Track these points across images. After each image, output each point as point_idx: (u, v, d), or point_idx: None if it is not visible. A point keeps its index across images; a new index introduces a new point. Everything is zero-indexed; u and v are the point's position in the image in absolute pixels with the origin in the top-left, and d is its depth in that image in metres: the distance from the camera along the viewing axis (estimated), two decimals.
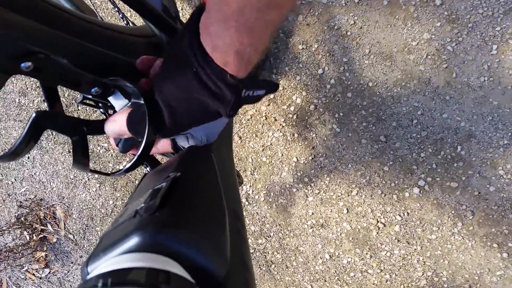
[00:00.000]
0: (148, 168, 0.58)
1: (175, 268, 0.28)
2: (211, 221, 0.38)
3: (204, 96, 0.38)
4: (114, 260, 0.28)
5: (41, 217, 1.85)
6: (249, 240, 1.42)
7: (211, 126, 0.44)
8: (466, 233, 1.16)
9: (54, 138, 1.72)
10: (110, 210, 1.72)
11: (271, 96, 1.29)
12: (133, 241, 0.29)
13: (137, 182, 1.64)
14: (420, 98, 1.13)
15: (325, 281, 1.39)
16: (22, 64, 0.36)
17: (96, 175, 1.70)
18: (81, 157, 0.44)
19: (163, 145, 0.49)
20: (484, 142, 1.09)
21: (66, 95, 1.63)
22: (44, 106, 1.71)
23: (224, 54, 0.34)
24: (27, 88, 1.69)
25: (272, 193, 1.40)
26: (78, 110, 1.63)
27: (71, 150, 1.76)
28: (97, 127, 0.47)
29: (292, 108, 1.27)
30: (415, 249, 1.23)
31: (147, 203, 0.34)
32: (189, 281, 0.27)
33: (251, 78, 0.39)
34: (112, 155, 1.62)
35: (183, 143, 0.48)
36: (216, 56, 0.35)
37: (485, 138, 1.08)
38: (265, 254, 1.45)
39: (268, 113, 1.31)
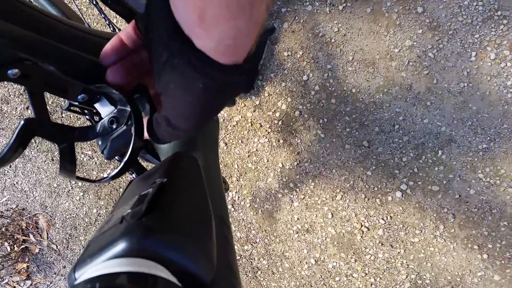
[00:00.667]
0: (134, 175, 0.58)
1: (162, 272, 0.28)
2: (198, 226, 0.38)
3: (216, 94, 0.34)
4: (102, 266, 0.28)
5: (23, 227, 1.80)
6: (235, 247, 1.41)
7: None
8: (447, 235, 1.18)
9: (37, 146, 1.69)
10: (94, 219, 1.68)
11: (257, 102, 1.30)
12: (120, 246, 0.29)
13: (121, 190, 1.62)
14: (402, 104, 1.15)
15: (311, 286, 1.38)
16: (9, 71, 0.36)
17: (80, 183, 1.67)
18: (68, 164, 0.44)
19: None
20: (464, 147, 1.11)
21: (50, 103, 1.61)
22: (27, 114, 1.68)
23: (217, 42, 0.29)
24: (9, 96, 1.66)
25: (257, 199, 1.39)
26: (62, 117, 1.61)
27: (54, 158, 1.73)
28: (84, 134, 0.47)
29: (277, 114, 1.28)
30: (399, 252, 1.25)
31: (134, 209, 0.34)
32: (177, 284, 0.28)
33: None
34: (96, 162, 1.60)
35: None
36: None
37: (465, 143, 1.11)
38: (251, 260, 1.45)
39: (254, 119, 1.31)
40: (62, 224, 1.73)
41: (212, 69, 0.30)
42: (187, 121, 0.37)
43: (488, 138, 1.08)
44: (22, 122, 0.38)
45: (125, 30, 0.42)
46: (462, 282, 1.19)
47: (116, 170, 0.45)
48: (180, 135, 0.40)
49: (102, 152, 0.48)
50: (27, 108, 1.67)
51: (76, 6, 1.06)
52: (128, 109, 0.43)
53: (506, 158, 1.08)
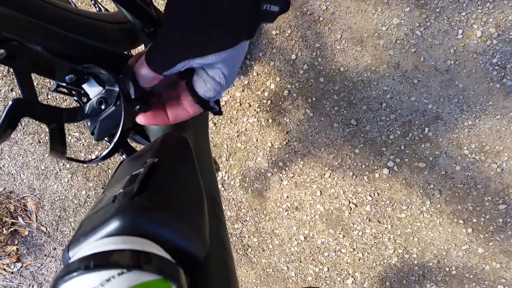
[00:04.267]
0: (124, 156, 0.57)
1: (156, 249, 0.28)
2: (190, 204, 0.37)
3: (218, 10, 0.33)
4: (95, 244, 0.28)
5: (11, 210, 1.76)
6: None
7: (230, 58, 0.38)
8: (434, 211, 1.19)
9: (23, 128, 1.63)
10: (83, 201, 1.65)
11: (245, 82, 1.26)
12: (114, 225, 0.29)
13: (110, 171, 1.59)
14: (389, 82, 1.13)
15: (300, 261, 1.39)
16: None
17: (68, 165, 1.63)
18: (58, 144, 0.43)
19: (191, 106, 0.44)
20: (450, 124, 1.11)
21: (35, 84, 1.55)
22: (11, 96, 1.62)
23: None
24: None
25: (247, 178, 1.38)
26: (48, 99, 1.55)
27: (41, 140, 1.68)
28: (72, 115, 0.46)
29: (266, 94, 1.26)
30: (386, 228, 1.25)
31: (126, 188, 0.33)
32: (170, 261, 0.28)
33: None
34: (83, 144, 1.55)
35: (201, 86, 0.42)
36: None
37: (451, 120, 1.10)
38: (242, 238, 1.44)
39: (243, 99, 1.29)
40: (51, 206, 1.70)
41: None
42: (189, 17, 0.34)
43: (474, 115, 1.08)
44: (10, 102, 0.38)
45: None
46: (448, 255, 1.20)
47: (106, 151, 0.44)
48: (180, 51, 0.36)
49: (92, 133, 0.47)
50: (11, 90, 1.61)
51: None
52: (117, 89, 0.43)
53: (490, 135, 1.08)
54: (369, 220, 1.27)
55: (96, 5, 0.82)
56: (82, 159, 1.62)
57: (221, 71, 0.38)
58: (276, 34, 1.19)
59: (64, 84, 0.44)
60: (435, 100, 1.10)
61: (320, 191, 1.30)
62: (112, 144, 0.43)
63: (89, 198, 1.64)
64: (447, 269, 1.21)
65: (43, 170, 1.66)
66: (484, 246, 1.15)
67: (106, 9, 0.86)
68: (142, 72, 0.40)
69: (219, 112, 0.45)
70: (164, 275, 0.25)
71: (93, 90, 0.46)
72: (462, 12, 1.04)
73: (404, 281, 1.27)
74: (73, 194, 1.65)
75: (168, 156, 0.42)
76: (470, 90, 1.07)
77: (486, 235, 1.14)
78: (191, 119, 0.48)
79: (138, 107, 0.42)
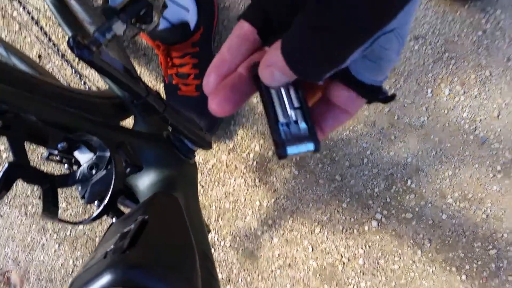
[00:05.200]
0: (114, 219, 0.58)
1: None
2: (182, 258, 0.38)
3: None
4: None
5: None
6: None
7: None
8: (426, 260, 1.19)
9: (10, 202, 1.60)
10: (71, 270, 1.60)
11: (231, 146, 1.29)
12: (105, 278, 0.29)
13: (97, 240, 1.56)
14: (368, 139, 1.17)
15: None
16: None
17: (55, 235, 1.60)
18: (51, 205, 0.44)
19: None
20: (431, 175, 1.14)
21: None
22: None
23: None
24: None
25: (237, 238, 1.37)
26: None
27: (28, 213, 1.65)
28: (64, 180, 0.47)
29: (251, 155, 1.28)
30: (380, 280, 1.24)
31: (117, 244, 0.34)
32: None
33: None
34: (70, 214, 1.53)
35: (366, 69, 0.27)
36: None
37: (432, 171, 1.14)
38: None
39: (229, 161, 1.30)
40: (37, 277, 1.63)
41: None
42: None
43: (453, 165, 1.12)
44: (5, 164, 0.39)
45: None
46: None
47: (97, 211, 0.45)
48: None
49: (83, 197, 0.48)
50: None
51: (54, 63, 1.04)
52: (107, 154, 0.44)
53: (471, 183, 1.11)
54: (363, 273, 1.26)
55: (85, 85, 0.84)
56: (70, 229, 1.58)
57: (397, 36, 0.24)
58: (258, 101, 1.24)
59: (56, 152, 0.46)
60: (413, 153, 1.14)
61: (312, 247, 1.29)
62: (103, 205, 0.44)
63: (76, 267, 1.59)
64: None
65: (29, 242, 1.61)
66: None
67: (97, 87, 0.89)
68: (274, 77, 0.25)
69: (392, 97, 0.30)
70: None
71: (84, 157, 0.48)
72: (429, 74, 1.10)
73: None
74: (60, 264, 1.60)
75: (158, 212, 0.42)
76: (446, 142, 1.11)
77: (481, 281, 1.14)
78: (180, 179, 0.50)
79: (129, 169, 0.44)
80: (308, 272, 1.31)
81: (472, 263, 1.15)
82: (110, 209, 0.45)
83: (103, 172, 0.46)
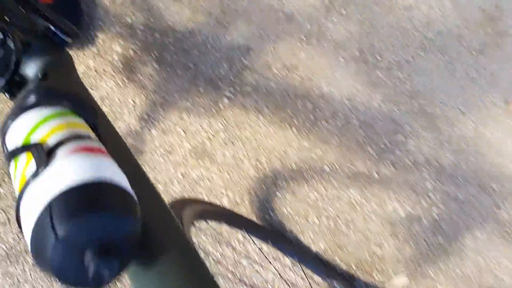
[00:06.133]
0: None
1: None
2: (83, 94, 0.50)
3: None
4: None
5: None
6: None
7: None
8: (267, 122, 1.49)
9: None
10: None
11: (95, 50, 1.45)
12: (31, 100, 0.39)
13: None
14: (208, 28, 1.40)
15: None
16: None
17: None
18: None
19: None
20: (259, 51, 1.42)
21: None
22: None
23: None
24: None
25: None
26: None
27: None
28: None
29: (116, 57, 1.45)
30: (239, 147, 1.55)
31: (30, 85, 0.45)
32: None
33: None
34: None
35: None
36: None
37: (259, 48, 1.42)
38: None
39: (97, 66, 1.46)
40: None
41: None
42: None
43: (272, 40, 1.41)
44: None
45: None
46: (287, 155, 1.54)
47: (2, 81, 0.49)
48: None
49: None
50: None
51: None
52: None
53: (286, 53, 1.42)
54: (225, 144, 1.55)
55: None
56: None
57: None
58: (109, 2, 1.41)
59: None
60: (243, 35, 1.41)
61: (184, 131, 1.54)
62: (8, 74, 0.48)
63: None
64: (289, 166, 1.55)
65: None
66: (307, 139, 1.51)
67: None
68: None
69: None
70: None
71: None
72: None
73: (263, 186, 1.59)
74: None
75: (53, 65, 0.52)
76: (265, 22, 1.40)
77: (306, 130, 1.50)
78: (63, 59, 0.62)
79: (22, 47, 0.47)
80: (185, 154, 1.57)
81: (298, 118, 1.48)
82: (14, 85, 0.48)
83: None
